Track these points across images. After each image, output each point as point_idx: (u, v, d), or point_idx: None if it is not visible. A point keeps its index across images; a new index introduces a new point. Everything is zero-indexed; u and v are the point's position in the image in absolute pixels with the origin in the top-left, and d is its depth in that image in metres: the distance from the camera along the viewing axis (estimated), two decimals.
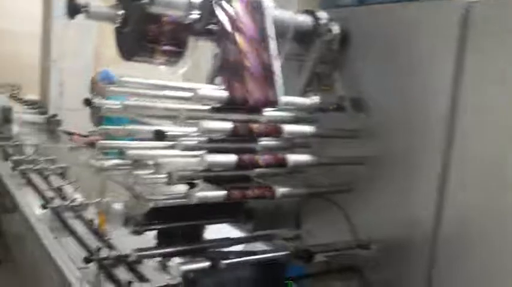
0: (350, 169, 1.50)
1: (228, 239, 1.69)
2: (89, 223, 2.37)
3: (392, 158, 1.43)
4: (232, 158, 1.19)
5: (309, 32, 1.48)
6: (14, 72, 9.04)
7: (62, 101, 6.57)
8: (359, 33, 1.48)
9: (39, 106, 6.18)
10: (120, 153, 1.82)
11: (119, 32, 1.76)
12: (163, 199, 1.26)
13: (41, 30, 6.79)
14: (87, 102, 1.77)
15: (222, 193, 1.23)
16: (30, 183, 3.12)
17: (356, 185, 1.48)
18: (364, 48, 1.47)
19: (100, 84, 5.08)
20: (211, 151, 1.25)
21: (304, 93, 1.52)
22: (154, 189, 1.34)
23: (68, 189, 2.90)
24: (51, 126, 5.44)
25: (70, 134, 5.23)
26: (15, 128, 4.95)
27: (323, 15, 1.49)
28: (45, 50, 6.60)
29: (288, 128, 1.30)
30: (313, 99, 1.38)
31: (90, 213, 2.55)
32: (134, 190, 1.33)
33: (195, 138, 1.30)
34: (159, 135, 1.30)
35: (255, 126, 1.25)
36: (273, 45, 1.34)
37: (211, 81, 2.11)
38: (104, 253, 1.98)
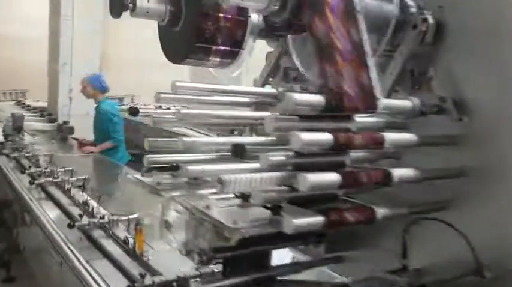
0: (446, 181, 1.27)
1: (297, 264, 1.48)
2: (123, 243, 2.15)
3: (501, 168, 1.21)
4: (334, 177, 0.97)
5: (399, 23, 1.26)
6: (18, 78, 8.86)
7: (70, 107, 6.38)
8: (457, 23, 1.26)
9: (49, 113, 5.96)
10: (173, 168, 1.61)
11: (166, 32, 1.54)
12: (252, 228, 1.04)
13: (49, 34, 6.57)
14: (134, 111, 1.55)
15: (319, 219, 1.00)
16: (51, 198, 2.91)
17: (457, 201, 1.26)
18: (464, 40, 1.25)
19: (88, 87, 4.89)
20: (303, 167, 1.03)
21: (390, 95, 1.30)
22: (231, 214, 1.12)
23: (92, 203, 2.68)
24: (62, 133, 5.23)
25: (80, 142, 5.02)
26: (26, 138, 4.74)
27: (413, 3, 1.27)
28: (53, 54, 6.38)
29: (391, 137, 1.08)
30: (415, 102, 1.16)
31: (121, 231, 2.34)
32: (212, 217, 1.10)
33: (278, 153, 1.08)
34: (239, 150, 1.08)
35: (356, 136, 1.03)
36: (361, 20, 1.11)
37: (263, 83, 1.90)
38: (148, 279, 1.78)
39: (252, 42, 1.57)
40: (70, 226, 2.28)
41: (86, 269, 1.99)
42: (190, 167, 1.33)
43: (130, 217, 2.42)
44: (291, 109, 0.98)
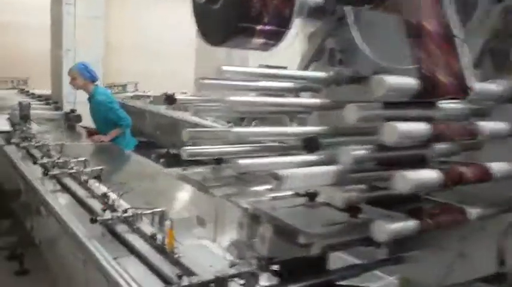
0: None
1: (356, 267, 1.35)
2: (151, 239, 2.02)
3: None
4: (434, 174, 0.83)
5: None
6: (19, 66, 8.68)
7: (75, 94, 6.22)
8: None
9: (54, 101, 5.80)
10: (217, 162, 1.47)
11: (204, 10, 1.39)
12: (335, 234, 0.90)
13: (51, 21, 6.39)
14: (171, 100, 1.41)
15: (412, 223, 0.87)
16: (67, 190, 2.77)
17: None
18: None
19: (79, 78, 4.70)
20: (392, 163, 0.89)
21: None
22: (302, 217, 0.99)
23: (112, 196, 2.54)
24: (70, 122, 5.08)
25: (89, 131, 4.87)
26: (34, 126, 4.59)
27: None
28: (55, 40, 6.21)
29: (488, 126, 0.94)
30: (506, 85, 1.01)
31: (146, 225, 2.21)
32: (281, 220, 0.96)
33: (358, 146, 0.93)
34: (312, 144, 0.94)
35: (452, 126, 0.89)
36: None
37: (305, 67, 1.75)
38: (185, 281, 1.65)
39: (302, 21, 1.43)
40: (92, 221, 2.15)
41: (114, 268, 1.86)
42: (241, 161, 1.19)
43: (155, 210, 2.30)
44: (381, 94, 0.84)
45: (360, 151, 0.92)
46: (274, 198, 1.11)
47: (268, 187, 1.16)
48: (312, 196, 1.06)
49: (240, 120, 5.70)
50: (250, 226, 1.14)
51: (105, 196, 2.52)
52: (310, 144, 0.96)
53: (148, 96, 8.56)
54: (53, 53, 6.36)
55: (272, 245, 1.06)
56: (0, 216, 4.15)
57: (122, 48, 10.14)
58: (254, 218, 1.10)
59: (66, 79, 6.09)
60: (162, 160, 7.17)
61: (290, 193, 1.17)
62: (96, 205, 2.44)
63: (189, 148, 1.38)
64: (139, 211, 2.26)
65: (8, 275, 3.82)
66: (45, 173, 2.92)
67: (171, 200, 2.92)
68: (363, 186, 0.98)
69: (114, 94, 8.11)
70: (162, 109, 7.57)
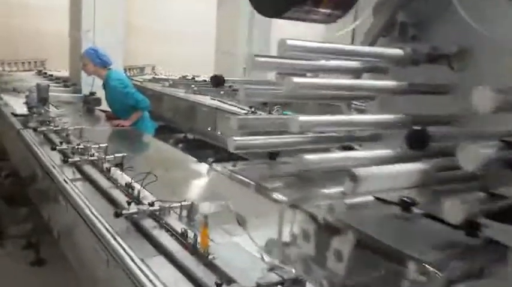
0: None
1: None
2: (182, 237, 1.81)
3: None
4: None
5: None
6: (37, 47, 8.53)
7: (93, 76, 6.04)
8: None
9: (73, 83, 5.62)
10: (272, 156, 1.25)
11: None
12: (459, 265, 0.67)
13: (70, 1, 6.19)
14: (218, 80, 1.18)
15: None
16: (88, 179, 2.58)
17: None
18: None
19: (89, 64, 4.48)
20: None
21: None
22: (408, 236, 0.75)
23: (136, 186, 2.33)
24: (89, 105, 4.89)
25: (109, 116, 4.68)
26: (52, 110, 4.42)
27: None
28: (74, 21, 6.01)
29: None
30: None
31: (174, 220, 2.00)
32: (381, 241, 0.73)
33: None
34: (419, 138, 0.71)
35: None
36: None
37: (371, 44, 1.51)
38: None
39: None
40: (117, 215, 1.95)
41: (141, 270, 1.66)
42: (309, 157, 0.96)
43: (184, 203, 2.09)
44: None
45: (487, 150, 0.68)
46: (353, 205, 0.89)
47: (339, 189, 0.93)
48: (406, 204, 0.82)
49: (263, 105, 5.41)
50: (319, 237, 0.92)
51: (129, 186, 2.32)
52: (416, 139, 0.73)
53: (167, 80, 8.35)
54: (72, 34, 6.16)
55: (352, 264, 0.84)
56: (17, 203, 4.01)
57: (142, 30, 9.95)
58: (328, 228, 0.88)
59: None
60: (180, 145, 7.02)
61: (369, 197, 0.95)
62: (120, 197, 2.25)
63: (237, 138, 1.16)
64: (166, 204, 2.06)
65: (23, 266, 3.68)
66: (65, 160, 2.73)
67: (199, 191, 2.72)
68: (479, 193, 0.75)
69: (132, 77, 7.96)
70: (181, 93, 7.36)
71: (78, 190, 2.41)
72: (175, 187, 2.59)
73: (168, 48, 10.81)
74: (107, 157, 2.81)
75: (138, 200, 2.17)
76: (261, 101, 5.84)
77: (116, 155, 2.85)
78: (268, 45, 7.89)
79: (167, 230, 1.91)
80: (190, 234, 1.80)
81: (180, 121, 7.34)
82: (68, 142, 3.18)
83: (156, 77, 8.78)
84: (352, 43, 1.34)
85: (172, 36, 10.96)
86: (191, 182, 2.89)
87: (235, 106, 6.19)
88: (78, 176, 2.65)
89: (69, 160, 2.73)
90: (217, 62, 8.16)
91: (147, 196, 2.24)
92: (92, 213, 2.11)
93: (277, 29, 8.01)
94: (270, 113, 5.50)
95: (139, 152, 3.60)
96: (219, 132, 6.09)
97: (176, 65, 10.40)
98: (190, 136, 7.94)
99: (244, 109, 5.93)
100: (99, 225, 2.00)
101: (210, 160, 6.40)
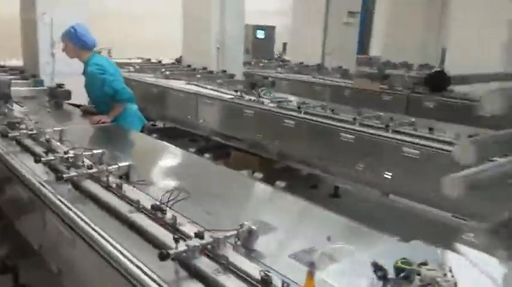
0: None
1: None
2: (263, 285, 1.34)
3: None
4: None
5: None
6: None
7: (52, 65, 5.29)
8: None
9: (33, 75, 4.88)
10: None
11: None
12: None
13: None
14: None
15: None
16: (97, 202, 2.03)
17: None
18: None
19: (68, 44, 3.83)
20: None
21: None
22: None
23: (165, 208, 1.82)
24: (57, 99, 4.22)
25: (86, 111, 4.04)
26: (16, 108, 3.74)
27: None
28: (27, 2, 5.21)
29: None
30: None
31: (232, 253, 1.52)
32: None
33: None
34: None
35: None
36: None
37: None
38: None
39: None
40: (163, 257, 1.44)
41: None
42: None
43: (242, 229, 1.61)
44: None
45: None
46: None
47: None
48: None
49: (251, 88, 4.85)
50: None
51: (157, 209, 1.81)
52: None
53: (131, 64, 7.65)
54: (24, 15, 5.37)
55: None
56: None
57: (93, 10, 9.11)
58: None
59: (42, 47, 5.17)
60: (154, 135, 6.41)
61: None
62: (152, 227, 1.73)
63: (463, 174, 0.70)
64: (220, 235, 1.58)
65: None
66: (59, 176, 2.15)
67: (243, 206, 2.23)
68: None
69: None
70: (150, 78, 6.73)
71: (91, 225, 1.85)
72: (211, 202, 2.10)
73: (125, 30, 10.01)
74: (110, 167, 2.26)
75: (178, 231, 1.67)
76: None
77: (120, 164, 2.31)
78: (243, 20, 7.33)
79: (232, 272, 1.44)
80: (277, 281, 1.34)
81: (151, 109, 6.70)
82: (51, 150, 2.58)
83: (120, 61, 8.02)
84: None
85: (128, 17, 10.16)
86: (228, 192, 2.39)
87: (217, 91, 5.66)
88: (83, 198, 2.09)
89: (64, 175, 2.16)
90: (186, 42, 7.52)
91: (184, 223, 1.74)
92: (124, 255, 1.58)
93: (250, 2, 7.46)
94: (259, 96, 5.02)
95: (139, 156, 3.03)
96: (201, 120, 5.55)
97: (134, 47, 9.64)
98: (160, 124, 7.34)
99: (228, 93, 5.42)
100: (142, 276, 1.48)
101: (192, 150, 5.90)
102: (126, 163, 2.33)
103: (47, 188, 2.18)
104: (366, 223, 1.98)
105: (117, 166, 2.30)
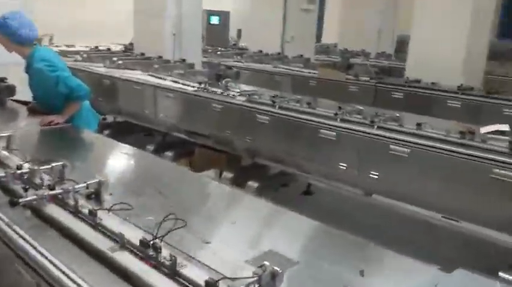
0: None
1: None
2: None
3: None
4: None
5: None
6: None
7: None
8: None
9: None
10: None
11: None
12: None
13: None
14: None
15: None
16: (64, 233, 1.62)
17: None
18: None
19: (3, 39, 3.29)
20: None
21: None
22: None
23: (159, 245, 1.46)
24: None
25: (32, 109, 3.51)
26: None
27: None
28: None
29: None
30: None
31: None
32: None
33: None
34: None
35: None
36: None
37: None
38: None
39: None
40: None
41: None
42: None
43: (264, 274, 1.28)
44: None
45: None
46: None
47: None
48: None
49: (216, 80, 4.44)
50: None
51: (149, 247, 1.43)
52: None
53: (78, 52, 7.01)
54: None
55: None
56: None
57: None
58: None
59: None
60: (106, 132, 5.90)
61: None
62: (149, 275, 1.35)
63: None
64: (239, 284, 1.24)
65: None
66: (14, 201, 1.72)
67: (249, 229, 1.87)
68: None
69: None
70: (101, 68, 6.17)
71: (60, 261, 1.45)
72: (208, 229, 1.75)
73: (67, 14, 9.28)
74: (77, 186, 1.85)
75: (180, 277, 1.32)
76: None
77: (89, 182, 1.90)
78: (200, 3, 6.87)
79: None
80: None
81: (101, 102, 6.16)
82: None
83: (65, 49, 7.35)
84: None
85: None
86: (218, 211, 2.03)
87: (177, 82, 5.23)
88: (46, 229, 1.67)
89: (21, 200, 1.73)
90: (138, 27, 6.97)
91: (184, 264, 1.38)
92: None
93: None
94: (227, 89, 4.65)
95: (105, 167, 2.60)
96: (161, 115, 5.11)
97: (76, 33, 8.95)
98: (110, 119, 6.79)
99: (191, 85, 5.00)
100: None
101: (150, 148, 5.45)
102: (95, 180, 1.93)
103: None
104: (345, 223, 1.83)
105: (84, 184, 1.89)
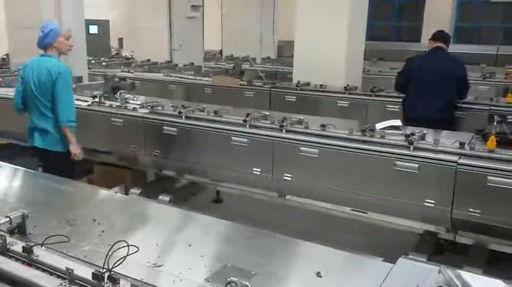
0: None
1: None
2: None
3: None
4: None
5: None
6: None
7: None
8: None
9: None
10: None
11: None
12: None
13: None
14: None
15: None
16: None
17: None
18: None
19: None
20: None
21: None
22: None
23: None
24: None
25: None
26: None
27: None
28: None
29: None
30: None
31: None
32: None
33: None
34: None
35: None
36: None
37: None
38: None
39: None
40: None
41: None
42: None
43: None
44: None
45: None
46: None
47: None
48: None
49: (113, 92, 4.32)
50: None
51: (103, 279, 1.33)
52: None
53: None
54: None
55: None
56: None
57: None
58: None
59: None
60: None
61: None
62: None
63: None
64: None
65: None
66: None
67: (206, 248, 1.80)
68: None
69: None
70: None
71: None
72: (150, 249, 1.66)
73: None
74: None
75: None
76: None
77: (11, 216, 1.71)
78: (82, 14, 6.49)
79: None
80: None
81: None
82: None
83: None
84: None
85: None
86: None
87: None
88: None
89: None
90: (13, 39, 6.38)
91: None
92: None
93: None
94: (126, 101, 4.46)
95: (12, 194, 2.33)
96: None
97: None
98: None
99: (84, 100, 4.70)
100: None
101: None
102: (19, 213, 1.74)
103: None
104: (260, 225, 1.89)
105: (7, 219, 1.70)
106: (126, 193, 4.30)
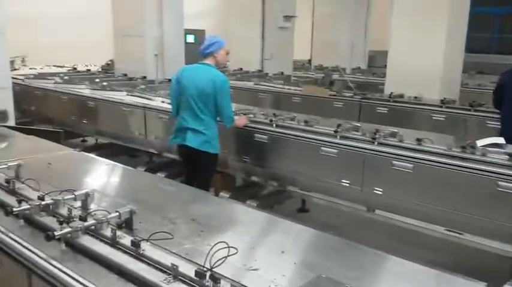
0: None
1: None
2: None
3: None
4: None
5: None
6: None
7: None
8: None
9: None
10: None
11: None
12: None
13: None
14: None
15: None
16: (107, 267, 1.57)
17: None
18: None
19: None
20: None
21: None
22: None
23: None
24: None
25: None
26: None
27: None
28: None
29: None
30: None
31: None
32: None
33: None
34: None
35: None
36: None
37: None
38: None
39: None
40: None
41: None
42: None
43: None
44: None
45: None
46: None
47: None
48: None
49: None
50: None
51: (204, 277, 1.40)
52: None
53: (57, 74, 6.86)
54: None
55: None
56: None
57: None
58: None
59: None
60: (95, 153, 5.77)
61: None
62: None
63: None
64: None
65: None
66: (50, 234, 1.65)
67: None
68: None
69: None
70: (84, 89, 6.04)
71: None
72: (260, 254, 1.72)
73: (37, 35, 9.10)
74: (109, 215, 1.80)
75: None
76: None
77: (121, 211, 1.85)
78: (182, 23, 6.87)
79: None
80: None
81: (84, 125, 6.04)
82: (14, 193, 2.04)
83: (42, 71, 7.18)
84: None
85: (41, 20, 9.28)
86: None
87: (165, 102, 5.18)
88: (88, 263, 1.61)
89: (56, 234, 1.66)
90: (118, 48, 6.89)
91: None
92: None
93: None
94: None
95: (126, 192, 2.53)
96: (153, 136, 5.04)
97: (49, 54, 8.80)
98: (92, 141, 6.66)
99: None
100: None
101: (141, 169, 5.35)
102: (127, 209, 1.88)
103: (33, 252, 1.67)
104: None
105: (116, 213, 1.84)
106: (216, 195, 4.44)
